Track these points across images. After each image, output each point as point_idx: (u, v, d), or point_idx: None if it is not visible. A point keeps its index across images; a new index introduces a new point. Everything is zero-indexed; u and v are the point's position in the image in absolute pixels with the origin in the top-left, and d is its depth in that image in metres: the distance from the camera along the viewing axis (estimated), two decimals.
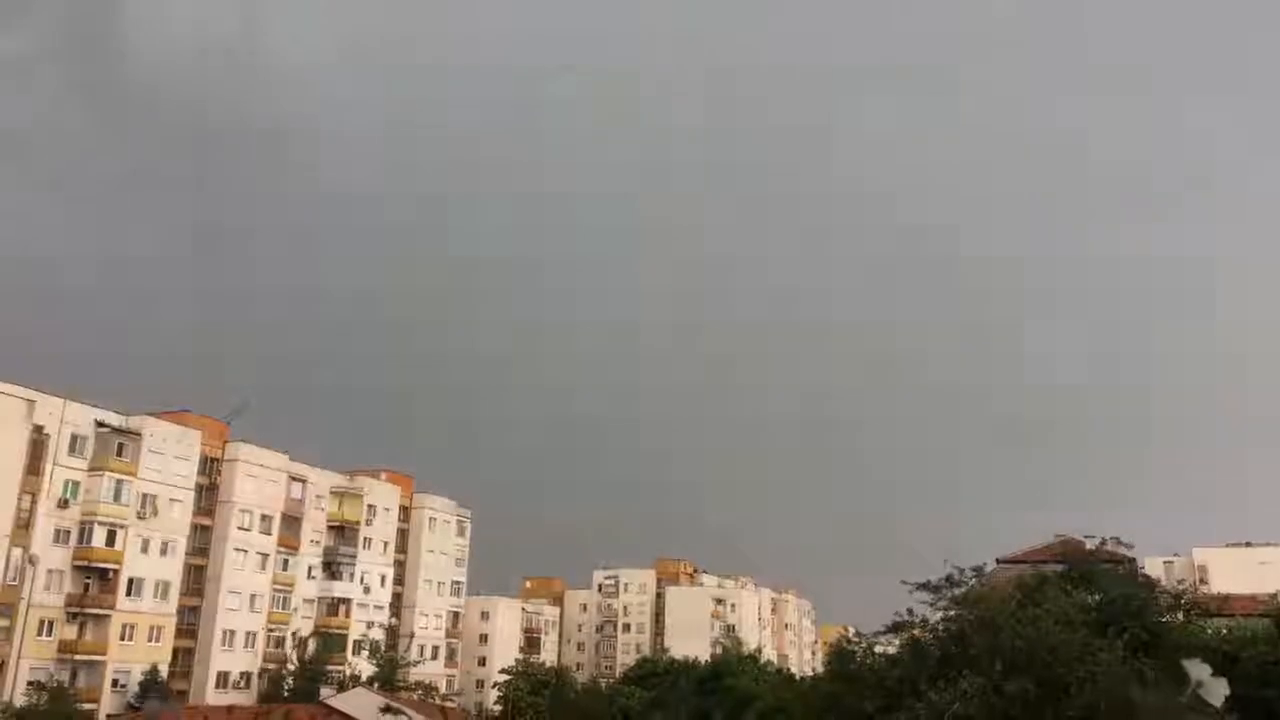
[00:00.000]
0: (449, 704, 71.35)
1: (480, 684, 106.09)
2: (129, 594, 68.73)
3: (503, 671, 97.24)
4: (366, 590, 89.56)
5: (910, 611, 24.49)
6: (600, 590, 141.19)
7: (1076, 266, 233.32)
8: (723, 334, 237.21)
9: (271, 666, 76.45)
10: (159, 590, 71.00)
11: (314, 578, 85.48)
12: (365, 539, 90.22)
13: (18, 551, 61.79)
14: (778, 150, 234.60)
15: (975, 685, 20.16)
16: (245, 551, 78.65)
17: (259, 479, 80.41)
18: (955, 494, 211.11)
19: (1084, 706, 19.64)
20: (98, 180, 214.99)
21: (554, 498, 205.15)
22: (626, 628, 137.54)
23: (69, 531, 66.31)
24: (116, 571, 67.97)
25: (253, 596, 78.78)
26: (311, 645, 79.06)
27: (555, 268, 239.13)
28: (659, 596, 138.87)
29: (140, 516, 69.65)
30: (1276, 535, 71.49)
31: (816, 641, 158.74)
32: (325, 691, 64.54)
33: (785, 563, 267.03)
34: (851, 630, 26.50)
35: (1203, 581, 61.94)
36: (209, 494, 77.34)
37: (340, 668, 76.23)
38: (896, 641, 24.72)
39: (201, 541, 76.24)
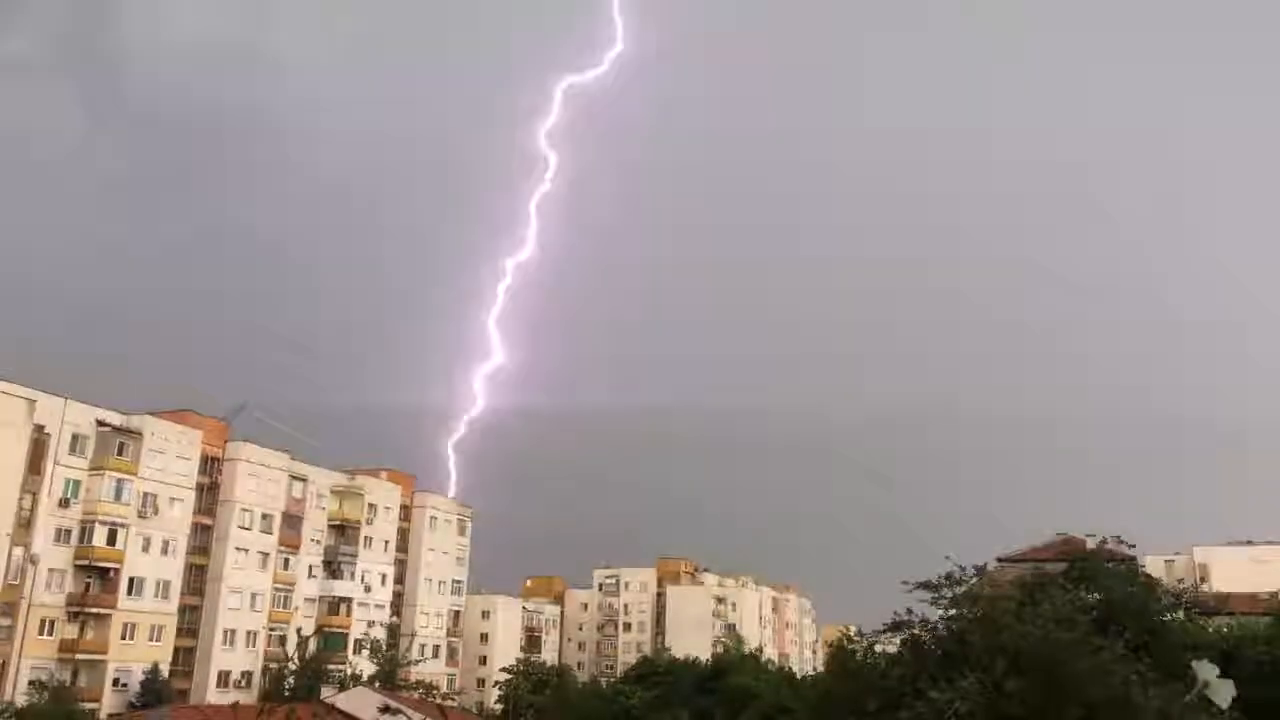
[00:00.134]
0: (449, 703, 71.28)
1: (481, 683, 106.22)
2: (130, 593, 68.89)
3: (503, 670, 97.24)
4: (367, 589, 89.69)
5: (910, 611, 24.47)
6: (601, 589, 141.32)
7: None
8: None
9: (272, 666, 76.53)
10: (160, 589, 71.14)
11: (315, 577, 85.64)
12: (366, 538, 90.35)
13: (19, 551, 61.90)
14: None
15: (976, 684, 20.17)
16: (246, 551, 78.79)
17: (260, 478, 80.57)
18: (955, 494, 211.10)
19: (1085, 705, 19.66)
20: (98, 180, 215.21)
21: (554, 498, 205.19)
22: (627, 627, 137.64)
23: (70, 531, 66.47)
24: (117, 571, 68.12)
25: (253, 596, 78.91)
26: (312, 644, 79.10)
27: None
28: (660, 595, 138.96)
29: (141, 516, 69.79)
30: (1277, 534, 71.46)
31: (817, 640, 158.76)
32: (326, 691, 64.57)
33: (785, 563, 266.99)
34: (852, 629, 26.44)
35: (1203, 580, 61.92)
36: (210, 493, 77.49)
37: (341, 667, 76.25)
38: (897, 640, 24.70)
39: (202, 541, 76.39)
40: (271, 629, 79.92)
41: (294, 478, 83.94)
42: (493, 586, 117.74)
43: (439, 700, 66.21)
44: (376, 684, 64.91)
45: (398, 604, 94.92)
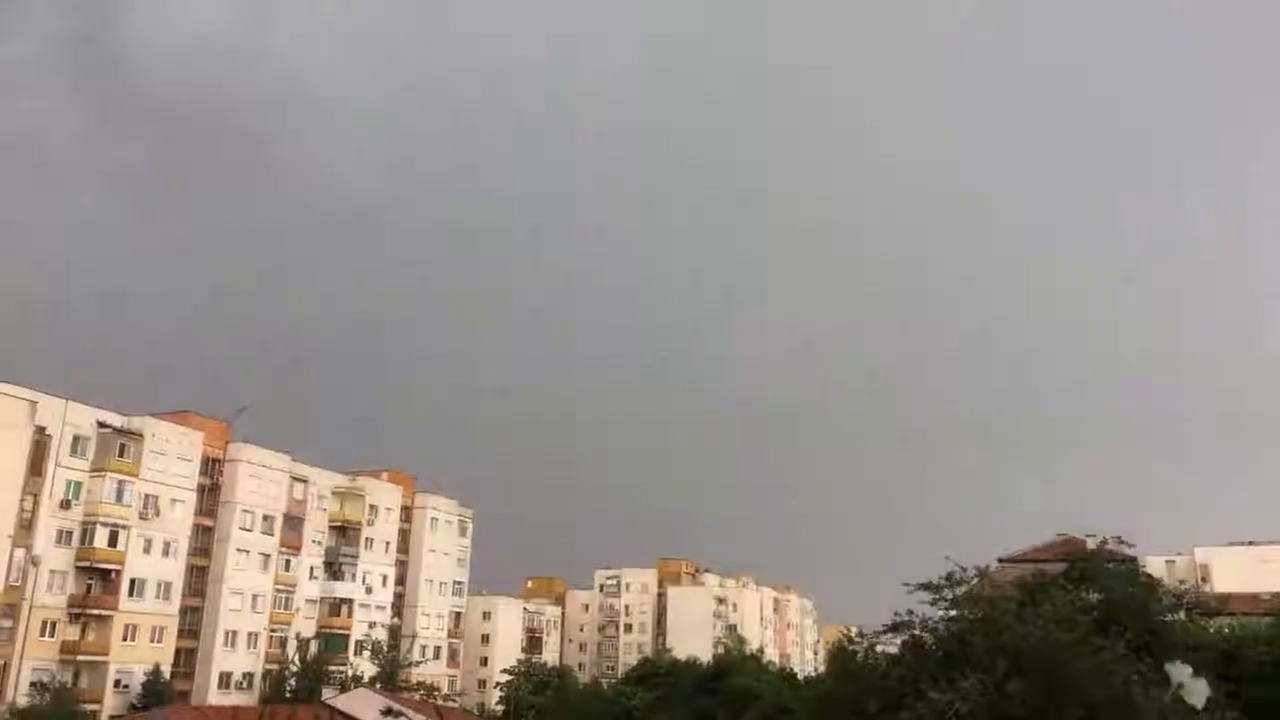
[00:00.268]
0: (449, 704, 71.28)
1: (482, 684, 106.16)
2: (131, 594, 68.87)
3: (505, 671, 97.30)
4: (368, 590, 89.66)
5: (911, 612, 24.45)
6: (602, 590, 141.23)
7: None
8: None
9: (273, 667, 76.49)
10: (161, 591, 71.12)
11: (316, 578, 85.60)
12: (367, 539, 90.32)
13: (20, 552, 61.88)
14: None
15: (977, 685, 20.15)
16: (247, 552, 78.76)
17: (261, 479, 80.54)
18: (955, 494, 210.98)
19: (1086, 706, 19.62)
20: (99, 179, 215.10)
21: (555, 497, 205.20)
22: (628, 627, 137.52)
23: (71, 532, 66.44)
24: (119, 572, 68.09)
25: (255, 597, 78.87)
26: (313, 646, 79.05)
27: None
28: (661, 596, 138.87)
29: (142, 517, 69.77)
30: (1279, 534, 71.26)
31: (818, 641, 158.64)
32: (327, 692, 64.51)
33: (786, 563, 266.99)
34: (853, 630, 26.43)
35: (1205, 581, 61.86)
36: (211, 494, 77.47)
37: (342, 668, 76.20)
38: (898, 641, 24.68)
39: (203, 542, 76.36)
40: (273, 630, 79.86)
41: (295, 479, 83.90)
42: (494, 588, 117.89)
43: (438, 702, 66.34)
44: (377, 685, 64.91)
45: (399, 605, 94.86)
